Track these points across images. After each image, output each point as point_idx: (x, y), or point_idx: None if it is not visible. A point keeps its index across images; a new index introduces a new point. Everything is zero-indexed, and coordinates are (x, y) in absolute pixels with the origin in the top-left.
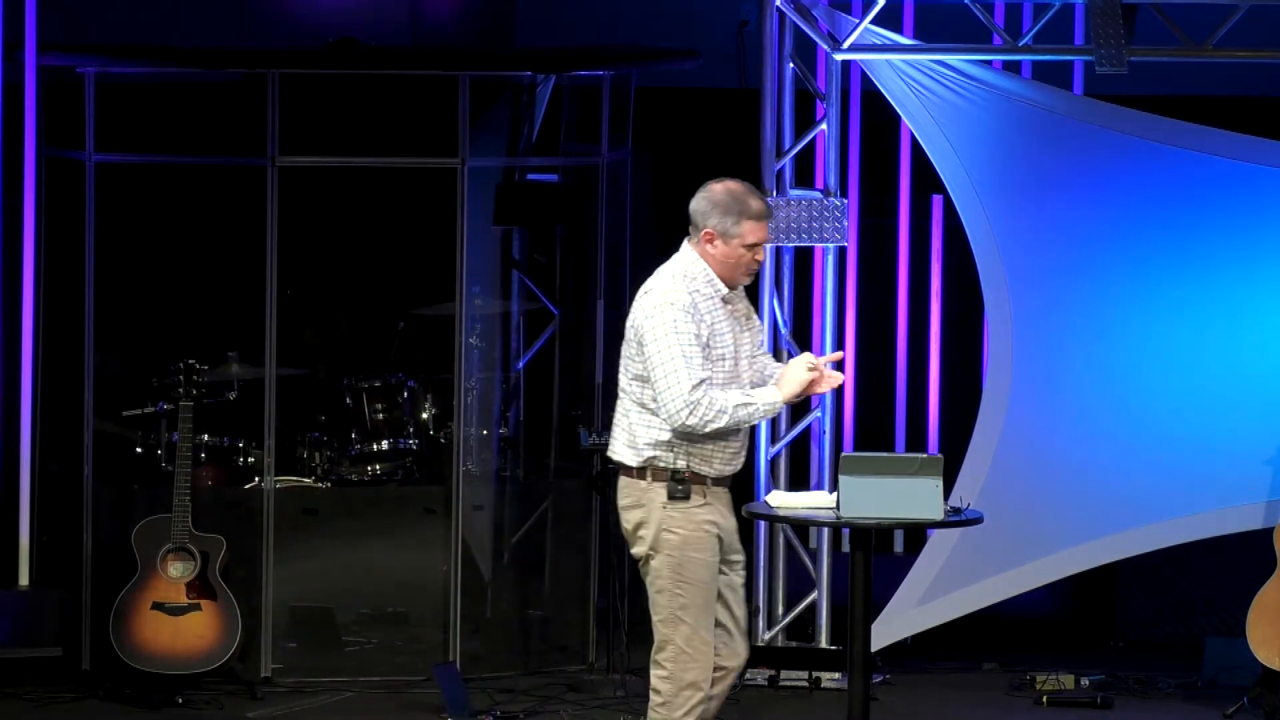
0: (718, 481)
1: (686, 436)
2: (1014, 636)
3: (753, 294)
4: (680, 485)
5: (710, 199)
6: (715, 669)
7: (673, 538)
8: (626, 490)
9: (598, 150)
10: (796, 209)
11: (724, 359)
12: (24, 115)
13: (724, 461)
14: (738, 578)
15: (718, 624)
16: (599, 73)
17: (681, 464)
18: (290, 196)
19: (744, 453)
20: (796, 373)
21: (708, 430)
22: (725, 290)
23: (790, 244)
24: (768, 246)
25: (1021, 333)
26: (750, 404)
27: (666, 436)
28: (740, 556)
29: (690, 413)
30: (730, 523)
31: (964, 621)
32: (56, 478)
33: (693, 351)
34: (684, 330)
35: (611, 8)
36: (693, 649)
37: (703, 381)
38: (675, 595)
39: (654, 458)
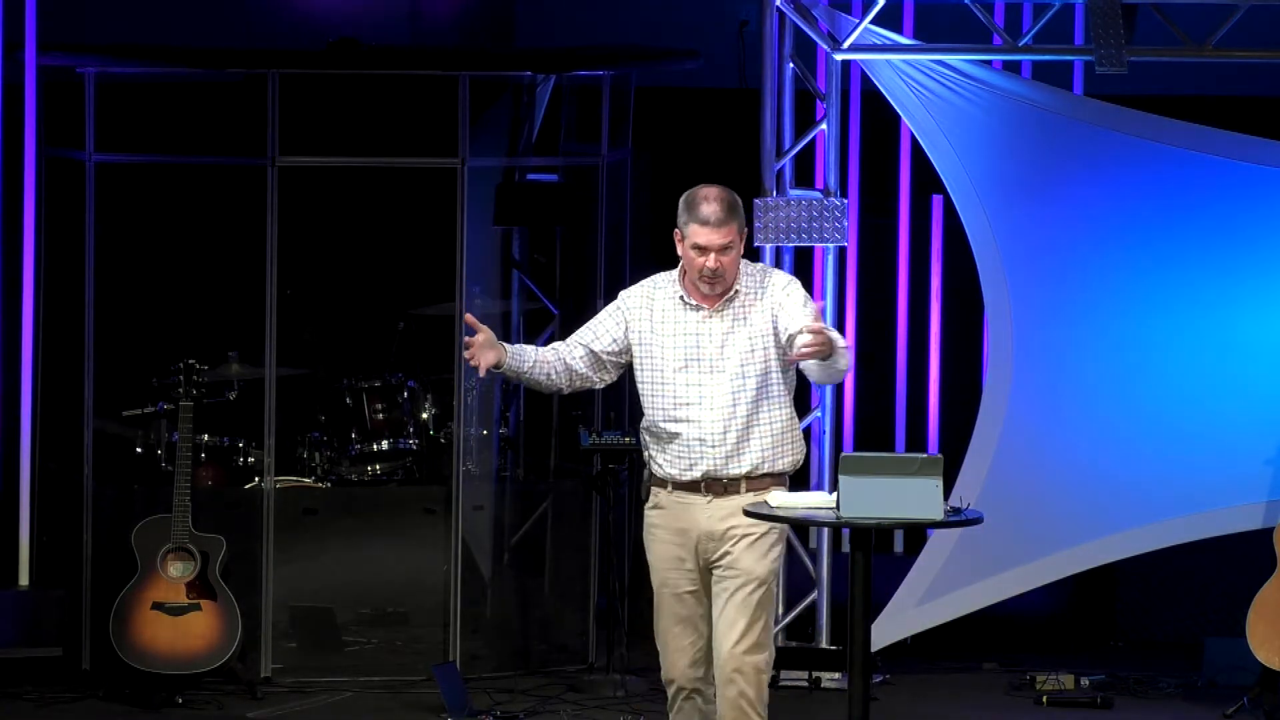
0: (680, 487)
1: (649, 433)
2: (1014, 636)
3: None
4: (646, 484)
5: (682, 197)
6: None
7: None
8: None
9: (598, 150)
10: (796, 209)
11: (654, 368)
12: (24, 115)
13: (670, 464)
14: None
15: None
16: (599, 73)
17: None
18: (290, 196)
19: (696, 459)
20: None
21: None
22: (682, 292)
23: (790, 244)
24: (767, 247)
25: (1021, 332)
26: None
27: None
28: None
29: None
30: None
31: (964, 621)
32: (56, 478)
33: (586, 325)
34: (600, 315)
35: (611, 8)
36: (659, 645)
37: (568, 341)
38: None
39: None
